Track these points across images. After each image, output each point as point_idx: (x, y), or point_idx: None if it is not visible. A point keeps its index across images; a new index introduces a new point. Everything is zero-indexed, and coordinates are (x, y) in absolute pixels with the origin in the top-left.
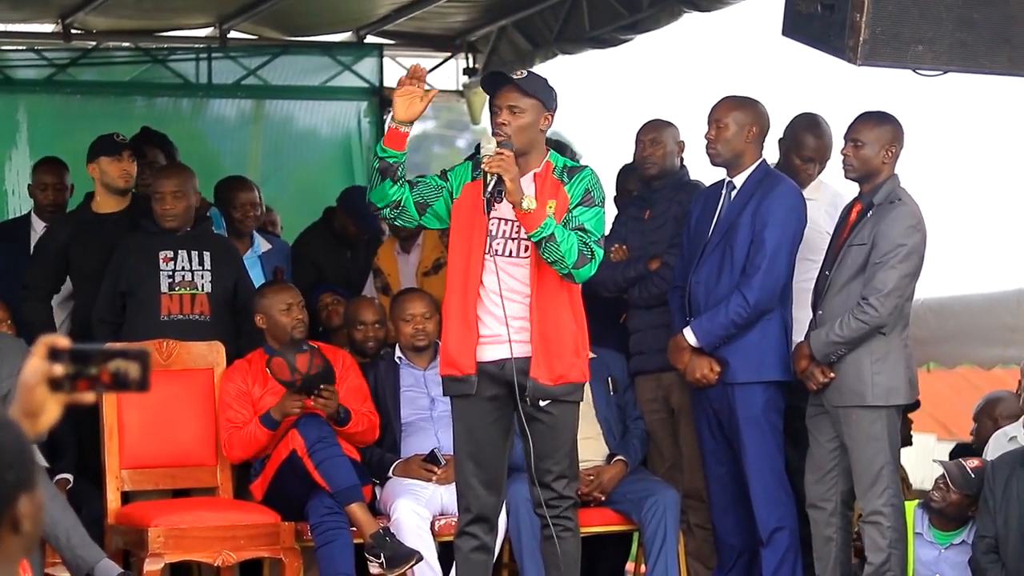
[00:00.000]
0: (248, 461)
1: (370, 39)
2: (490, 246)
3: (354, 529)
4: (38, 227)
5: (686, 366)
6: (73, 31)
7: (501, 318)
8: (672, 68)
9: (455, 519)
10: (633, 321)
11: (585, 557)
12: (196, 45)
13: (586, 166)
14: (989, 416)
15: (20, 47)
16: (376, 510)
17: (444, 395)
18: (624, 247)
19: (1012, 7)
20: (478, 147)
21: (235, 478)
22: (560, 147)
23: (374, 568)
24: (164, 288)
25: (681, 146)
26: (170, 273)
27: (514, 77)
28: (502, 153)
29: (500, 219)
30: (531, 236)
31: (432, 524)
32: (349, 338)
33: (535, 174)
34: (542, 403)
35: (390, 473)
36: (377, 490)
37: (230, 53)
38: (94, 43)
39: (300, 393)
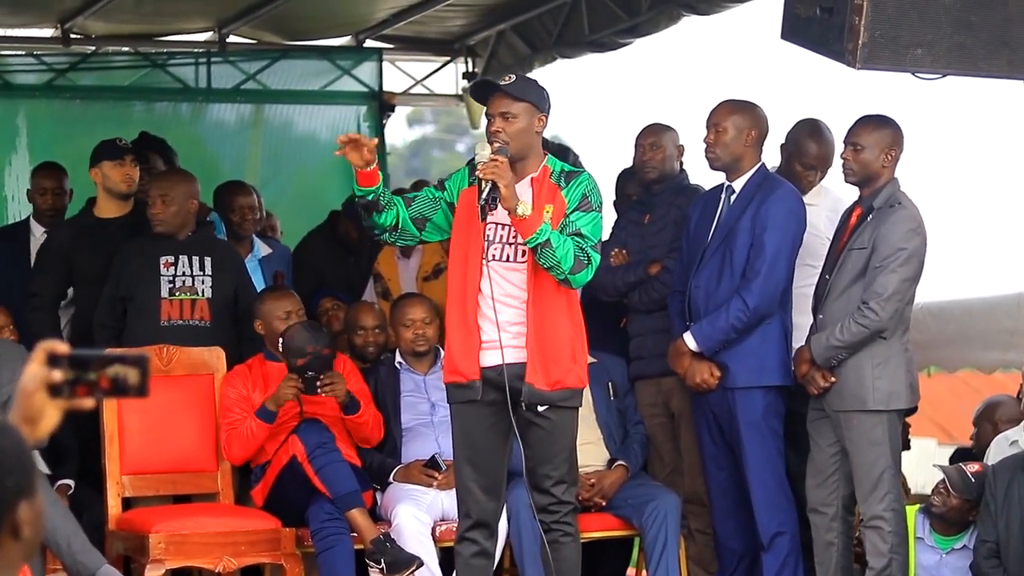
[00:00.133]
0: (249, 464)
1: (369, 43)
2: (487, 251)
3: (355, 535)
4: (37, 232)
5: (686, 371)
6: (72, 36)
7: (499, 324)
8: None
9: (456, 524)
10: (633, 326)
11: (586, 562)
12: (195, 50)
13: (583, 170)
14: (989, 420)
15: (19, 52)
16: (377, 516)
17: (448, 403)
18: (624, 251)
19: (1011, 10)
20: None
21: (236, 484)
22: (563, 151)
23: (375, 574)
24: (164, 293)
25: (681, 150)
26: (170, 278)
27: (502, 84)
28: (496, 159)
29: (497, 224)
30: (527, 242)
31: (433, 530)
32: (349, 343)
33: (532, 178)
34: (540, 408)
35: (391, 478)
36: (378, 495)
37: (229, 58)
38: (93, 48)
39: (300, 383)
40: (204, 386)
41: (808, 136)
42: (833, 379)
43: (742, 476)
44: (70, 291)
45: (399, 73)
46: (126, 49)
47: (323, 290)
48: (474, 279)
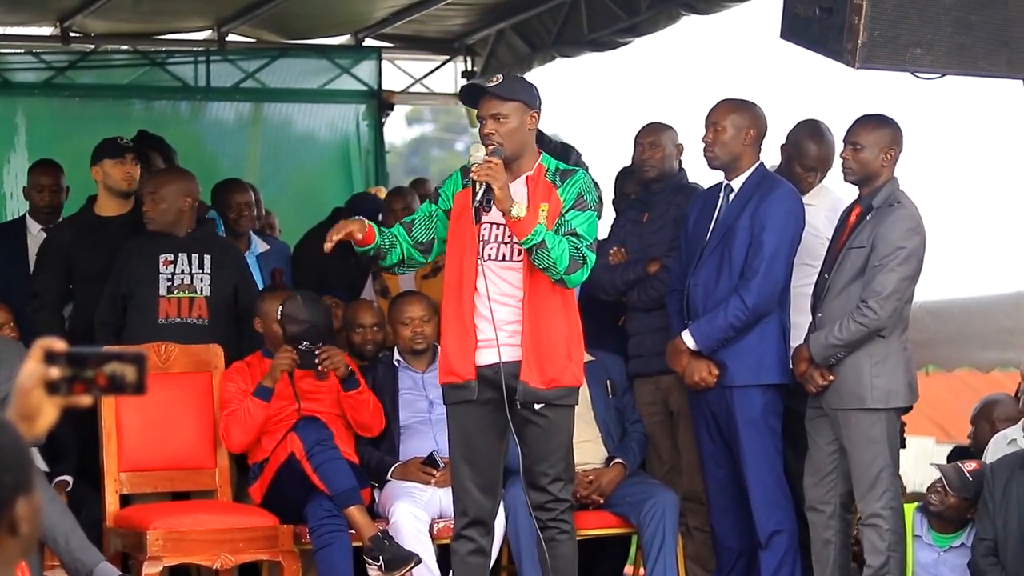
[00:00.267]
0: (247, 461)
1: (368, 42)
2: (483, 251)
3: (353, 532)
4: (34, 229)
5: (684, 369)
6: (71, 34)
7: (496, 323)
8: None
9: (453, 522)
10: (632, 324)
11: (583, 560)
12: (194, 48)
13: (579, 169)
14: (987, 419)
15: (18, 50)
16: (375, 513)
17: (444, 403)
18: (623, 250)
19: (1010, 10)
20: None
21: (234, 481)
22: (566, 151)
23: (373, 571)
24: (163, 291)
25: (680, 149)
26: (169, 276)
27: (489, 86)
28: (491, 161)
29: (492, 224)
30: (522, 243)
31: (431, 527)
32: (347, 341)
33: (527, 177)
34: (536, 407)
35: (389, 476)
36: (376, 493)
37: (228, 56)
38: (92, 46)
39: (296, 355)
40: (202, 384)
41: (808, 137)
42: (831, 377)
43: (740, 474)
44: None
45: (398, 72)
46: (125, 47)
47: (322, 288)
48: (469, 279)
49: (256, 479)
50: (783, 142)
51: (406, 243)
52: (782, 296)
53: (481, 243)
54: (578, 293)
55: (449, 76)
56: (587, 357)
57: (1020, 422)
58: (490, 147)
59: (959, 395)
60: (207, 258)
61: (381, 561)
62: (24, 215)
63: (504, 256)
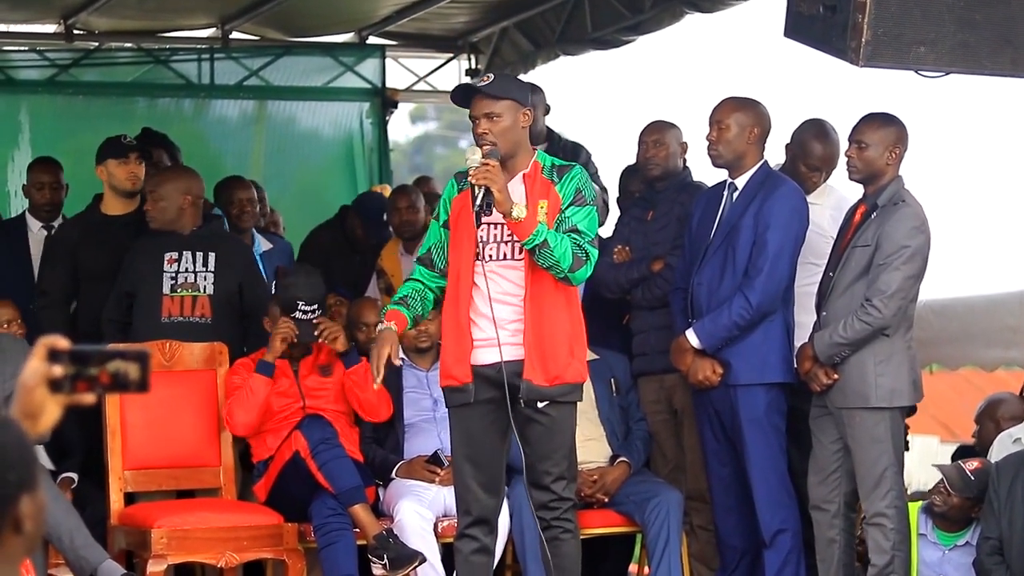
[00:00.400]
0: (251, 459)
1: (372, 40)
2: (483, 252)
3: (357, 530)
4: (34, 227)
5: (688, 368)
6: (75, 32)
7: (498, 322)
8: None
9: (457, 521)
10: (636, 322)
11: (588, 559)
12: (198, 46)
13: (575, 164)
14: (991, 418)
15: (22, 47)
16: (379, 511)
17: (446, 406)
18: (627, 248)
19: (1014, 8)
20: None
21: (238, 479)
22: (576, 150)
23: (377, 569)
24: (166, 290)
25: (684, 147)
26: (173, 275)
27: (480, 85)
28: (488, 163)
29: (490, 224)
30: (524, 244)
31: (435, 525)
32: (352, 339)
33: (524, 175)
34: (540, 404)
35: (393, 474)
36: (380, 491)
37: (232, 54)
38: (96, 44)
39: (299, 333)
40: (206, 382)
41: (813, 137)
42: (836, 376)
43: (744, 473)
44: None
45: (402, 70)
46: (129, 45)
47: (325, 286)
48: (466, 281)
49: (260, 477)
50: (788, 142)
51: (432, 281)
52: (786, 295)
53: (480, 244)
54: (582, 292)
55: (453, 74)
56: (591, 355)
57: None
58: (485, 148)
59: (963, 394)
60: (211, 256)
61: (385, 559)
62: (23, 213)
63: (505, 255)
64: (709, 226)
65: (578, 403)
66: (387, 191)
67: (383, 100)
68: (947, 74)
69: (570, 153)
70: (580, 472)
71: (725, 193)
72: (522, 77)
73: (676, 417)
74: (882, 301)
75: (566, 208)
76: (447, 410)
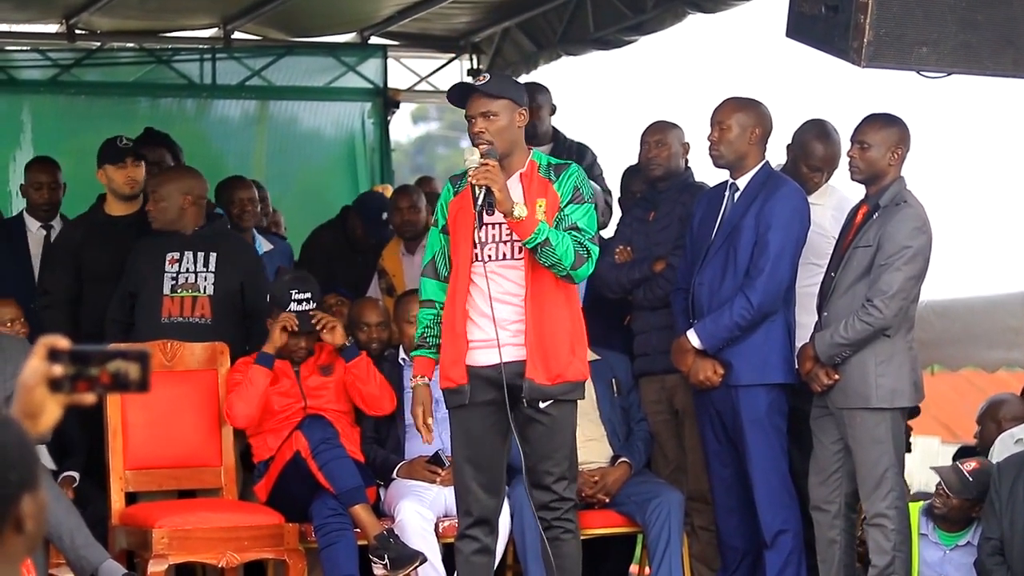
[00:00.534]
0: (252, 459)
1: (374, 40)
2: (482, 252)
3: (358, 530)
4: (32, 227)
5: (689, 368)
6: (77, 31)
7: (499, 323)
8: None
9: (457, 521)
10: (637, 323)
11: (588, 559)
12: (200, 46)
13: (571, 162)
14: (993, 419)
15: (24, 47)
16: (380, 512)
17: (446, 407)
18: (629, 248)
19: (1016, 9)
20: (463, 172)
21: (239, 479)
22: (581, 151)
23: (378, 570)
24: (166, 290)
25: (686, 147)
26: (174, 275)
27: (478, 84)
28: (487, 163)
29: (489, 224)
30: (526, 243)
31: (436, 526)
32: (353, 339)
33: (521, 174)
34: (542, 404)
35: (394, 474)
36: (381, 491)
37: (234, 54)
38: (98, 43)
39: (298, 324)
40: (207, 382)
41: (815, 138)
42: (836, 376)
43: (745, 473)
44: None
45: (404, 70)
46: (131, 45)
47: (327, 286)
48: (463, 283)
49: (261, 477)
50: (789, 142)
51: (442, 295)
52: (787, 295)
53: (479, 245)
54: (584, 292)
55: (455, 74)
56: (592, 356)
57: None
58: (483, 148)
59: (965, 395)
60: (213, 256)
61: (386, 559)
62: (22, 212)
63: (504, 255)
64: (710, 226)
65: (579, 404)
66: (388, 191)
67: (385, 100)
68: (949, 75)
69: (575, 154)
70: (581, 472)
71: (726, 193)
72: (524, 77)
73: (677, 418)
74: (883, 302)
75: (565, 206)
76: (447, 410)
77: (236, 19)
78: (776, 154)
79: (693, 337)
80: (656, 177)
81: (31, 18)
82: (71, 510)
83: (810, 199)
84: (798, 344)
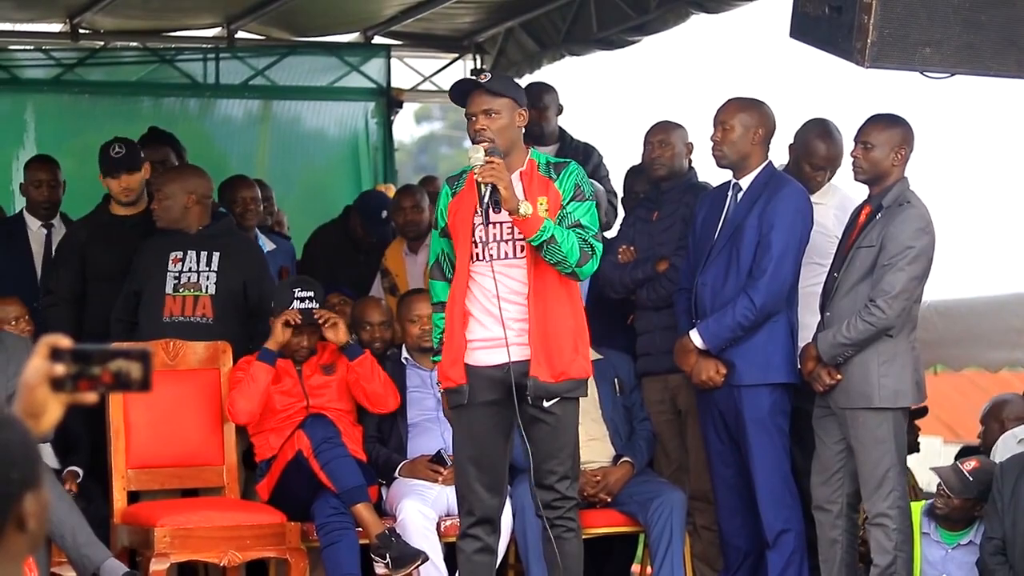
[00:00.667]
0: (254, 458)
1: (378, 40)
2: (484, 252)
3: (360, 529)
4: (33, 226)
5: (692, 368)
6: (81, 31)
7: (503, 322)
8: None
9: (459, 520)
10: (641, 322)
11: (591, 559)
12: (204, 45)
13: (570, 160)
14: (996, 419)
15: (28, 47)
16: (382, 511)
17: (448, 407)
18: (632, 248)
19: (1020, 10)
20: (460, 173)
21: (241, 478)
22: (587, 152)
23: (380, 568)
24: (169, 289)
25: (690, 148)
26: (176, 274)
27: (481, 81)
28: (492, 161)
29: (490, 223)
30: (531, 240)
31: (438, 525)
32: (356, 338)
33: (520, 173)
34: (546, 403)
35: (396, 474)
36: (383, 491)
37: (238, 53)
38: (102, 43)
39: (303, 327)
40: (210, 381)
41: (817, 137)
42: (839, 376)
43: (748, 473)
44: None
45: (407, 69)
46: (134, 44)
47: (330, 285)
48: (462, 283)
49: (263, 476)
50: (791, 142)
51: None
52: (790, 295)
53: (481, 244)
54: (587, 292)
55: (458, 74)
56: (595, 355)
57: None
58: (486, 145)
59: (967, 395)
60: (216, 255)
61: (388, 559)
62: (21, 211)
63: (507, 254)
64: (713, 227)
65: (582, 403)
66: (391, 191)
67: (388, 100)
68: (952, 75)
69: (582, 154)
70: (583, 472)
71: (729, 194)
72: (527, 77)
73: (680, 417)
74: (886, 302)
75: (567, 204)
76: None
77: (239, 18)
78: (778, 154)
79: (696, 337)
80: (659, 177)
81: (35, 17)
82: (73, 509)
83: (812, 198)
84: (801, 344)
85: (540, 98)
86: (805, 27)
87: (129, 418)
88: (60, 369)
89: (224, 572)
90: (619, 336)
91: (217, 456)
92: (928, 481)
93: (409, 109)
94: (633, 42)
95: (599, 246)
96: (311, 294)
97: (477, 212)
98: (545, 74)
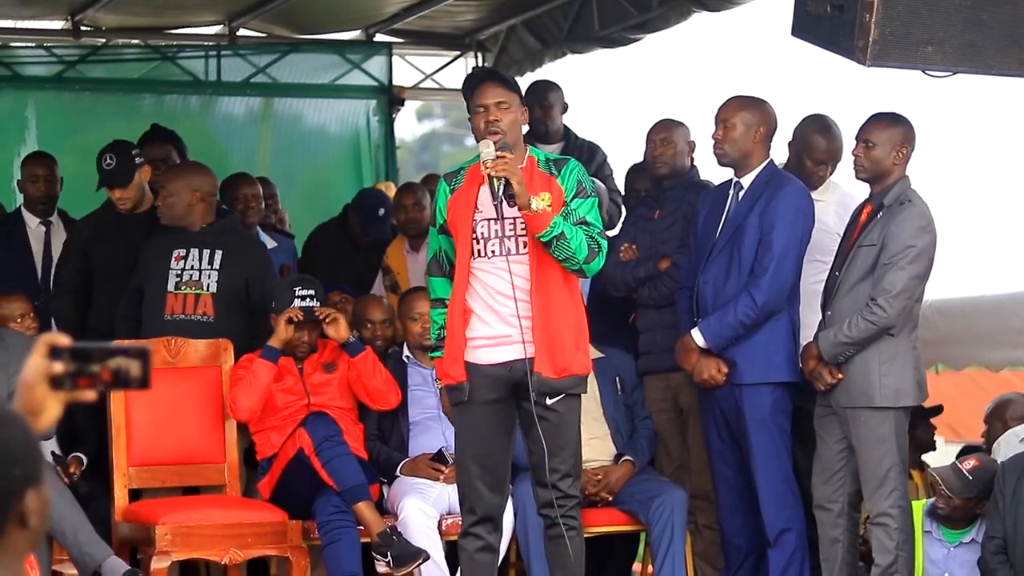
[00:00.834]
0: (256, 456)
1: (379, 37)
2: (485, 248)
3: (361, 528)
4: (32, 223)
5: (694, 367)
6: (83, 28)
7: (505, 319)
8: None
9: (461, 519)
10: (642, 321)
11: (592, 557)
12: (205, 43)
13: (569, 158)
14: (1000, 418)
15: (30, 44)
16: (383, 509)
17: (450, 404)
18: (634, 246)
19: (1021, 8)
20: (458, 169)
21: (243, 476)
22: (592, 151)
23: (381, 567)
24: (170, 287)
25: (692, 146)
26: (178, 272)
27: (499, 73)
28: (504, 156)
29: (489, 220)
30: (541, 236)
31: (439, 523)
32: (357, 336)
33: (521, 169)
34: (549, 401)
35: (397, 472)
36: (384, 489)
37: (239, 51)
38: (103, 40)
39: (305, 324)
40: (211, 378)
41: (816, 131)
42: (840, 375)
43: (749, 472)
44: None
45: (409, 67)
46: (136, 42)
47: (331, 283)
48: (462, 281)
49: (265, 474)
50: (790, 139)
51: (451, 289)
52: (791, 294)
53: (483, 241)
54: (588, 290)
55: (460, 72)
56: (596, 353)
57: None
58: (497, 139)
59: (968, 394)
60: (218, 254)
61: (389, 557)
62: (19, 208)
63: (510, 250)
64: (714, 225)
65: (583, 402)
66: (391, 189)
67: (390, 97)
68: (954, 74)
69: (586, 152)
70: (584, 471)
71: (731, 192)
72: (529, 75)
73: (681, 416)
74: (887, 301)
75: (570, 201)
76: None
77: (241, 16)
78: (780, 153)
79: (697, 336)
80: (661, 175)
81: (36, 14)
82: (74, 506)
83: (813, 195)
84: (802, 343)
85: (545, 96)
86: (807, 25)
87: (130, 416)
88: (59, 367)
89: (225, 570)
90: (621, 334)
91: (218, 454)
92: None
93: (411, 107)
94: (635, 40)
95: (604, 243)
96: (312, 292)
97: (478, 208)
98: (547, 72)
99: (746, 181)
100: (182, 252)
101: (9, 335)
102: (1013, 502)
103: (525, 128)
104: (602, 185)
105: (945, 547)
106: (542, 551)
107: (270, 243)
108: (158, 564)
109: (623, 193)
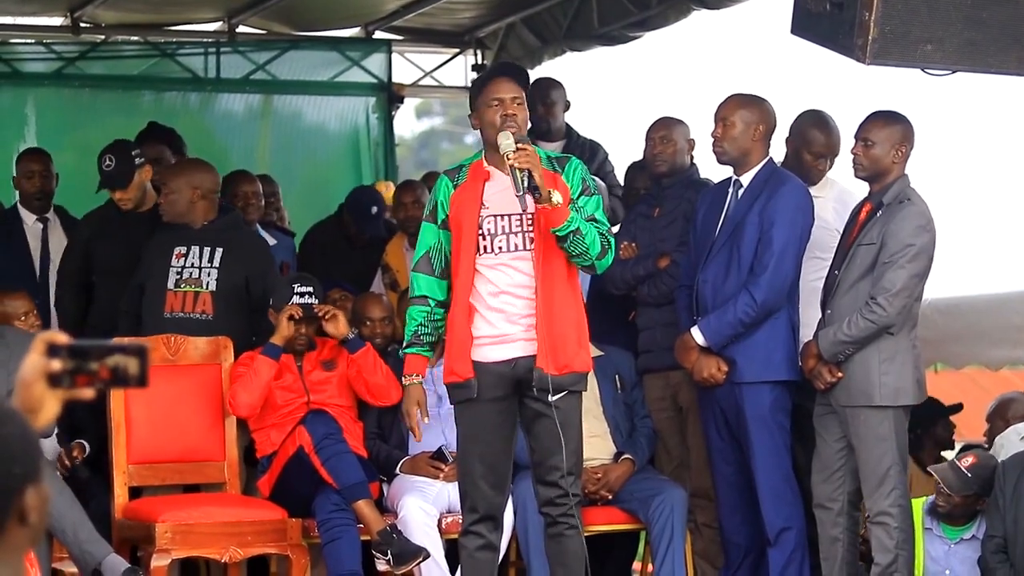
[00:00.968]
0: (255, 454)
1: (379, 35)
2: (492, 245)
3: (361, 526)
4: (28, 220)
5: (693, 365)
6: (82, 25)
7: (509, 317)
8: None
9: (461, 517)
10: (642, 319)
11: (592, 556)
12: (205, 39)
13: (571, 156)
14: (1002, 417)
15: (29, 40)
16: (383, 507)
17: (451, 402)
18: (633, 244)
19: (1021, 7)
20: (460, 166)
21: (242, 474)
22: (593, 149)
23: (381, 565)
24: (170, 285)
25: (691, 144)
26: (179, 270)
27: (521, 68)
28: (526, 148)
29: (495, 216)
30: (558, 230)
31: (439, 521)
32: (357, 334)
33: None
34: (551, 399)
35: (397, 470)
36: (384, 487)
37: (239, 48)
38: (103, 37)
39: (304, 321)
40: (211, 376)
41: (814, 126)
42: (840, 374)
43: (749, 471)
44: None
45: (408, 65)
46: (135, 38)
47: (330, 281)
48: (468, 277)
49: (265, 472)
50: (787, 135)
51: (434, 290)
52: (791, 292)
53: (489, 236)
54: (587, 288)
55: (459, 69)
56: (596, 352)
57: None
58: (515, 132)
59: (968, 393)
60: (218, 251)
61: (389, 555)
62: (15, 205)
63: (516, 246)
64: (714, 223)
65: (583, 400)
66: (390, 187)
67: (389, 95)
68: (954, 72)
69: (588, 151)
70: (584, 469)
71: (730, 190)
72: (529, 73)
73: (681, 414)
74: (887, 299)
75: (577, 198)
76: (452, 406)
77: (240, 13)
78: (779, 151)
79: (697, 334)
80: (661, 173)
81: (36, 11)
82: (74, 504)
83: (812, 191)
84: (802, 341)
85: (548, 94)
86: (806, 23)
87: (130, 414)
88: (57, 365)
89: (225, 568)
90: (620, 333)
91: (218, 452)
92: None
93: (410, 104)
94: (634, 38)
95: (612, 240)
96: (310, 290)
97: (484, 205)
98: (546, 70)
99: (745, 179)
100: (183, 249)
101: (9, 332)
102: (1013, 500)
103: (528, 125)
104: (602, 184)
105: (946, 544)
106: (542, 549)
107: (270, 240)
108: (158, 562)
109: (623, 191)
